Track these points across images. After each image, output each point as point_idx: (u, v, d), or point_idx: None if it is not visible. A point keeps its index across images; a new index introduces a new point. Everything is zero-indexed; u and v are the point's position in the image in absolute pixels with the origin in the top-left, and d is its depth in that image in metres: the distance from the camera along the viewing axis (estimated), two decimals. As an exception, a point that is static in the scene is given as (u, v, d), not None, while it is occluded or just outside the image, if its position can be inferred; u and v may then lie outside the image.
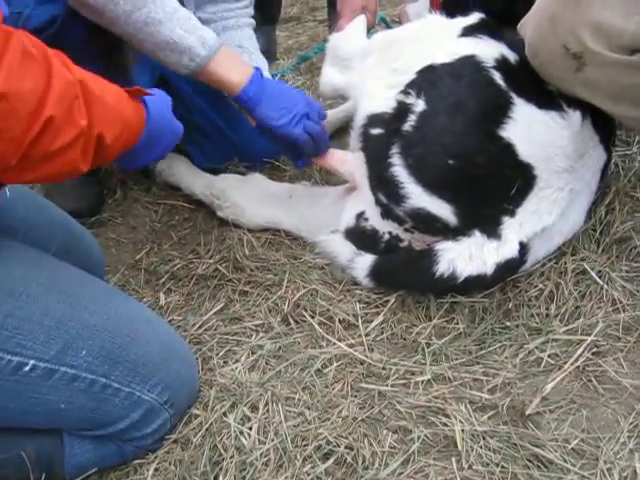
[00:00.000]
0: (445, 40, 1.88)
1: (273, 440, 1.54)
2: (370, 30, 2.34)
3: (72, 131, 1.26)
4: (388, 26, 2.87)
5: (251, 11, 2.45)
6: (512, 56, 1.82)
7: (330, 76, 2.20)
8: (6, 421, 1.49)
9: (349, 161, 2.02)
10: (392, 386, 1.66)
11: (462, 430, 1.52)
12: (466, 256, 1.76)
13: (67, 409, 1.46)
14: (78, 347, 1.44)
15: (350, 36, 2.21)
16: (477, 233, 1.77)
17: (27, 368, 1.40)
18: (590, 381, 1.64)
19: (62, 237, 1.80)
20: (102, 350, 1.47)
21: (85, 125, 1.29)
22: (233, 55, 1.96)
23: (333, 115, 2.72)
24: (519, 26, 1.79)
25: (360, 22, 2.27)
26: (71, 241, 1.82)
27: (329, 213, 2.07)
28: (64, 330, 1.44)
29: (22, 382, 1.41)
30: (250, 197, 2.20)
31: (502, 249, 1.75)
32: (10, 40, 1.16)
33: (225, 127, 2.44)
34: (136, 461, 1.56)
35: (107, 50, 2.02)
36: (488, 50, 1.82)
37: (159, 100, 1.63)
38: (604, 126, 1.87)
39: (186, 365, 1.63)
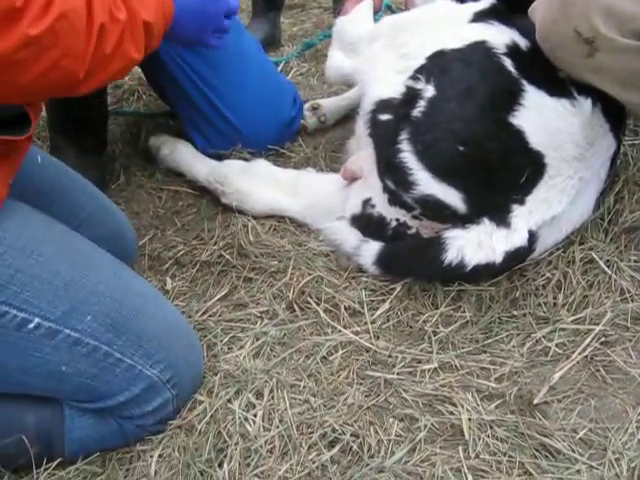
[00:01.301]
0: (455, 25, 1.87)
1: (278, 427, 1.53)
2: (376, 14, 2.32)
3: (118, 28, 1.37)
4: (394, 13, 2.84)
5: None
6: (523, 42, 1.81)
7: (337, 60, 2.18)
8: (6, 381, 1.48)
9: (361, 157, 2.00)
10: (398, 374, 1.64)
11: (469, 419, 1.51)
12: (475, 244, 1.74)
13: (68, 373, 1.46)
14: (84, 311, 1.45)
15: (356, 20, 2.19)
16: (486, 221, 1.75)
17: (31, 325, 1.40)
18: (598, 371, 1.63)
19: (92, 207, 1.81)
20: (107, 318, 1.47)
21: (126, 18, 1.39)
22: None
23: (338, 102, 2.71)
24: (530, 10, 1.78)
25: (366, 5, 2.25)
26: (101, 214, 1.84)
27: (334, 200, 2.05)
28: (71, 293, 1.44)
29: (25, 339, 1.41)
30: (254, 183, 2.18)
31: (511, 237, 1.74)
32: None
33: (228, 113, 2.42)
34: (140, 447, 1.55)
35: None
36: (499, 36, 1.81)
37: None
38: (614, 114, 1.84)
39: (191, 349, 1.62)
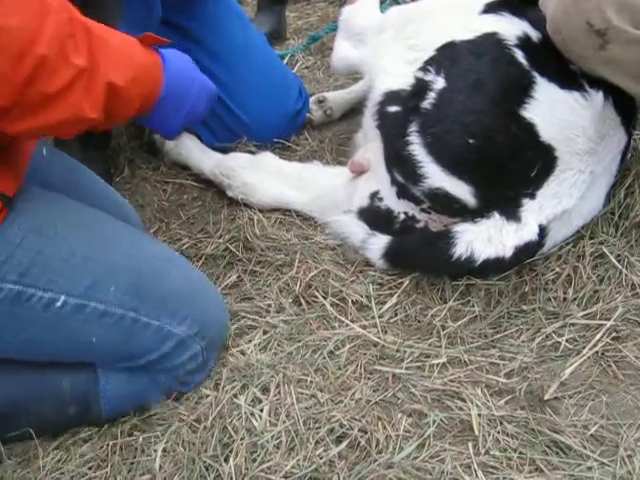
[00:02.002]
0: (466, 16, 1.84)
1: (285, 422, 1.51)
2: (381, 5, 2.30)
3: (69, 71, 1.25)
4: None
5: None
6: (535, 34, 1.79)
7: (343, 50, 2.17)
8: (41, 356, 1.53)
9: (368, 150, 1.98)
10: (406, 369, 1.63)
11: (479, 414, 1.50)
12: (485, 238, 1.72)
13: (99, 343, 1.50)
14: (106, 283, 1.48)
15: (363, 9, 2.17)
16: (496, 215, 1.74)
17: (59, 304, 1.43)
18: (609, 366, 1.61)
19: (99, 198, 1.79)
20: (130, 286, 1.50)
21: (83, 65, 1.27)
22: None
23: (343, 96, 2.69)
24: (541, 1, 1.77)
25: None
26: (107, 204, 1.81)
27: (341, 193, 2.03)
28: (91, 267, 1.47)
29: (54, 317, 1.45)
30: (260, 176, 2.16)
31: (521, 232, 1.72)
32: None
33: (234, 106, 2.41)
34: (144, 441, 1.53)
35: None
36: (510, 28, 1.79)
37: (174, 52, 1.62)
38: (625, 107, 1.83)
39: (214, 300, 1.66)
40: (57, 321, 1.44)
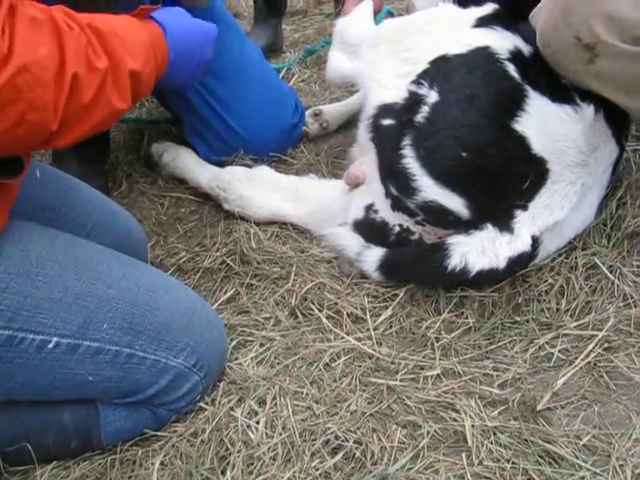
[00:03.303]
0: (458, 30, 1.86)
1: (281, 434, 1.52)
2: (376, 16, 2.31)
3: (96, 77, 1.33)
4: (395, 19, 2.84)
5: None
6: (526, 48, 1.80)
7: (337, 62, 2.17)
8: (38, 396, 1.51)
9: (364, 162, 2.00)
10: (401, 381, 1.64)
11: (472, 425, 1.50)
12: (478, 250, 1.74)
13: (95, 381, 1.49)
14: (99, 321, 1.46)
15: (358, 21, 2.18)
16: (490, 227, 1.75)
17: (51, 345, 1.42)
18: (602, 377, 1.62)
19: (98, 214, 1.82)
20: (123, 321, 1.48)
21: (106, 66, 1.35)
22: None
23: (339, 109, 2.71)
24: (530, 16, 1.78)
25: (367, 5, 2.25)
26: (108, 218, 1.84)
27: (336, 206, 2.04)
28: (83, 305, 1.45)
29: (48, 359, 1.43)
30: (257, 190, 2.18)
31: (514, 243, 1.74)
32: (16, 12, 1.19)
33: (231, 120, 2.43)
34: (141, 454, 1.54)
35: None
36: (502, 42, 1.80)
37: (167, 11, 1.66)
38: (617, 120, 1.84)
39: (211, 327, 1.63)
40: (50, 362, 1.43)
